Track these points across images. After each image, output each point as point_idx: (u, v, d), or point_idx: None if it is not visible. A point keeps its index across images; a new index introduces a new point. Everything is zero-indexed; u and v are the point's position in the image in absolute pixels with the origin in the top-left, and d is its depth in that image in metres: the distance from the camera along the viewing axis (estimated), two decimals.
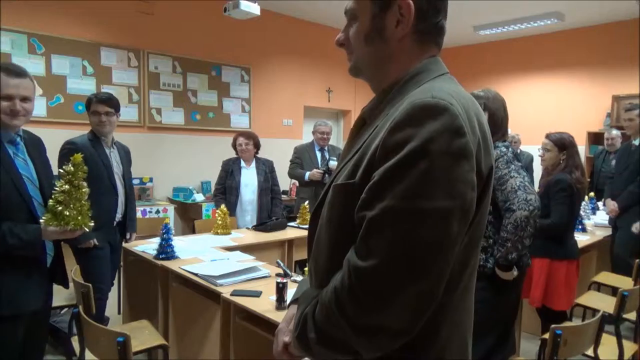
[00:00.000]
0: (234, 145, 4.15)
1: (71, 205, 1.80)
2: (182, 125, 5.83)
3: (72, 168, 1.83)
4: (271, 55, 6.68)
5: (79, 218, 1.82)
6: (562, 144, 2.78)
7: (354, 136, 1.00)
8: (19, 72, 1.83)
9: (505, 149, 2.14)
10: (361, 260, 0.77)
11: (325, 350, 0.84)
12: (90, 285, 2.25)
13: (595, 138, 6.67)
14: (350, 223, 0.83)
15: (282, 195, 4.80)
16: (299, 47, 6.94)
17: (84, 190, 1.86)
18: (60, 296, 2.78)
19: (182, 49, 5.75)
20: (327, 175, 4.23)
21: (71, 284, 2.41)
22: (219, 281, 2.33)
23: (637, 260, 3.06)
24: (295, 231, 3.79)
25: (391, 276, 0.74)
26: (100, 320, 2.64)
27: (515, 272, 2.09)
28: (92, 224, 1.89)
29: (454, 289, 0.85)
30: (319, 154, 4.54)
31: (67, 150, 2.70)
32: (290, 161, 4.57)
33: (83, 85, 5.01)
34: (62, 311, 3.23)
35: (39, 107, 4.62)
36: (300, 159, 4.51)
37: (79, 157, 1.86)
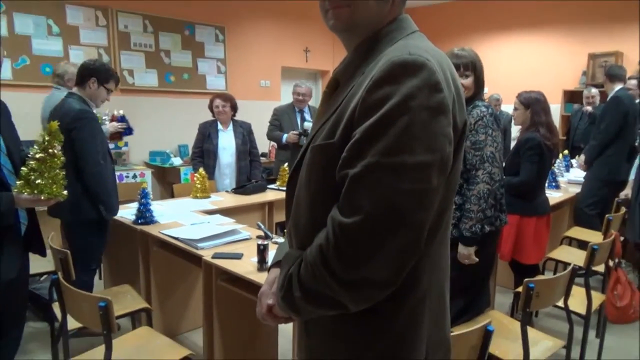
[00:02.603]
0: (211, 108, 4.07)
1: (45, 174, 1.76)
2: (156, 87, 5.67)
3: (47, 136, 1.78)
4: (246, 14, 6.47)
5: (53, 187, 1.78)
6: (527, 102, 2.83)
7: (329, 97, 0.99)
8: None
9: (485, 109, 2.15)
10: (345, 217, 0.78)
11: (311, 307, 0.86)
12: (68, 251, 2.22)
13: (571, 96, 6.74)
14: (330, 183, 0.84)
15: (262, 158, 4.78)
16: (275, 6, 6.72)
17: (59, 159, 1.82)
18: (39, 263, 2.75)
19: (152, 7, 5.51)
20: (303, 137, 4.21)
21: (49, 251, 2.39)
22: (199, 244, 2.33)
23: (607, 216, 3.16)
24: (275, 193, 3.80)
25: (376, 230, 0.76)
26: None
27: (474, 258, 2.15)
28: (66, 193, 1.85)
29: (432, 239, 0.88)
30: (298, 116, 4.49)
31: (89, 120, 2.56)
32: (270, 122, 4.52)
33: (49, 46, 4.79)
34: (42, 278, 3.21)
35: (3, 70, 4.40)
36: (279, 121, 4.46)
37: (55, 124, 1.81)
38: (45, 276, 3.11)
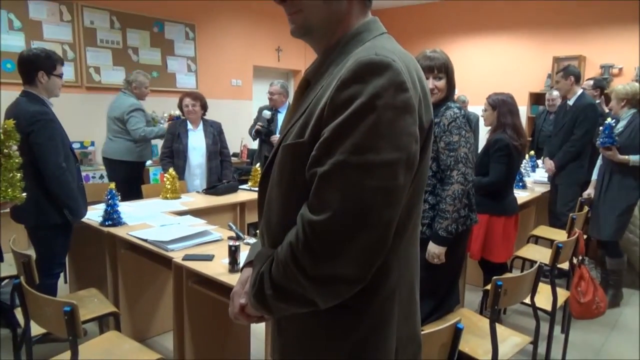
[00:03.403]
0: (180, 107, 4.00)
1: (2, 177, 1.68)
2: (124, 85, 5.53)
3: (2, 135, 1.70)
4: (217, 12, 6.40)
5: (9, 190, 1.70)
6: (495, 104, 2.91)
7: (299, 97, 1.00)
8: None
9: (457, 111, 2.18)
10: (314, 214, 0.79)
11: (283, 304, 0.87)
12: (30, 255, 2.14)
13: (536, 98, 6.94)
14: (301, 181, 0.85)
15: (233, 158, 4.77)
16: (247, 4, 6.67)
17: (15, 160, 1.74)
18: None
19: (120, 3, 5.38)
20: (264, 127, 4.49)
21: (10, 255, 2.30)
22: (169, 246, 2.29)
23: (571, 215, 3.26)
24: (247, 194, 3.76)
25: (344, 227, 0.78)
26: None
27: (443, 257, 2.18)
28: (24, 196, 1.77)
29: (401, 237, 0.91)
30: (275, 114, 4.61)
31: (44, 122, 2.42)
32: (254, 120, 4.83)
33: (10, 41, 4.62)
34: (4, 282, 3.08)
35: None
36: (258, 119, 4.67)
37: (10, 123, 1.73)
38: (6, 281, 2.99)
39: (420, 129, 0.85)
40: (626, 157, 3.28)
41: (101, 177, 4.92)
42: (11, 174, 1.72)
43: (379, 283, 0.89)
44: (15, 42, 4.65)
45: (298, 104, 0.98)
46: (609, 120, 3.38)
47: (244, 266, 1.08)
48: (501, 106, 2.89)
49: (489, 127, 3.02)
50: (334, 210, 0.77)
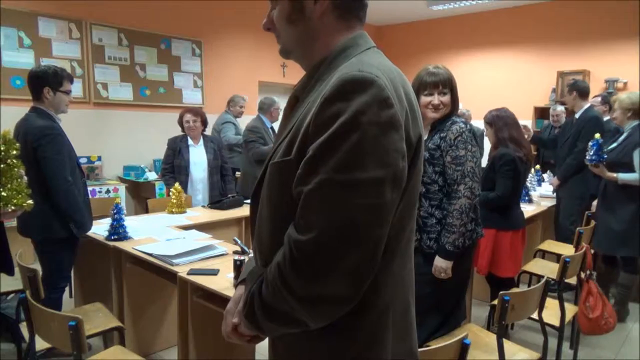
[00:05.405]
0: (180, 123, 4.03)
1: (8, 185, 1.70)
2: (131, 101, 5.60)
3: (3, 145, 1.71)
4: (223, 28, 6.48)
5: (19, 197, 1.72)
6: (490, 121, 2.93)
7: (288, 114, 1.00)
8: None
9: (463, 125, 2.18)
10: (301, 234, 0.79)
11: (273, 325, 0.86)
12: (37, 269, 2.15)
13: (541, 112, 6.94)
14: (289, 199, 0.84)
15: (238, 172, 4.77)
16: (253, 20, 6.75)
17: (18, 167, 1.75)
18: (6, 281, 2.65)
19: (128, 20, 5.47)
20: None
21: (16, 269, 2.31)
22: (174, 260, 2.29)
23: (577, 229, 3.23)
24: None
25: (331, 246, 0.77)
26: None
27: (449, 272, 2.16)
28: (31, 202, 1.78)
29: (393, 254, 0.89)
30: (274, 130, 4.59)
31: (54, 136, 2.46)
32: (252, 141, 4.36)
33: (20, 59, 4.69)
34: (9, 297, 3.09)
35: None
36: (263, 138, 4.39)
37: (8, 132, 1.74)
38: (12, 295, 2.99)
39: (408, 144, 0.84)
40: (614, 174, 3.22)
41: (107, 191, 4.95)
42: (17, 182, 1.73)
43: (371, 301, 0.87)
44: (25, 60, 4.72)
45: (287, 121, 0.98)
46: (597, 136, 3.31)
47: (238, 284, 1.07)
48: (496, 122, 2.91)
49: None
50: (319, 230, 0.76)
